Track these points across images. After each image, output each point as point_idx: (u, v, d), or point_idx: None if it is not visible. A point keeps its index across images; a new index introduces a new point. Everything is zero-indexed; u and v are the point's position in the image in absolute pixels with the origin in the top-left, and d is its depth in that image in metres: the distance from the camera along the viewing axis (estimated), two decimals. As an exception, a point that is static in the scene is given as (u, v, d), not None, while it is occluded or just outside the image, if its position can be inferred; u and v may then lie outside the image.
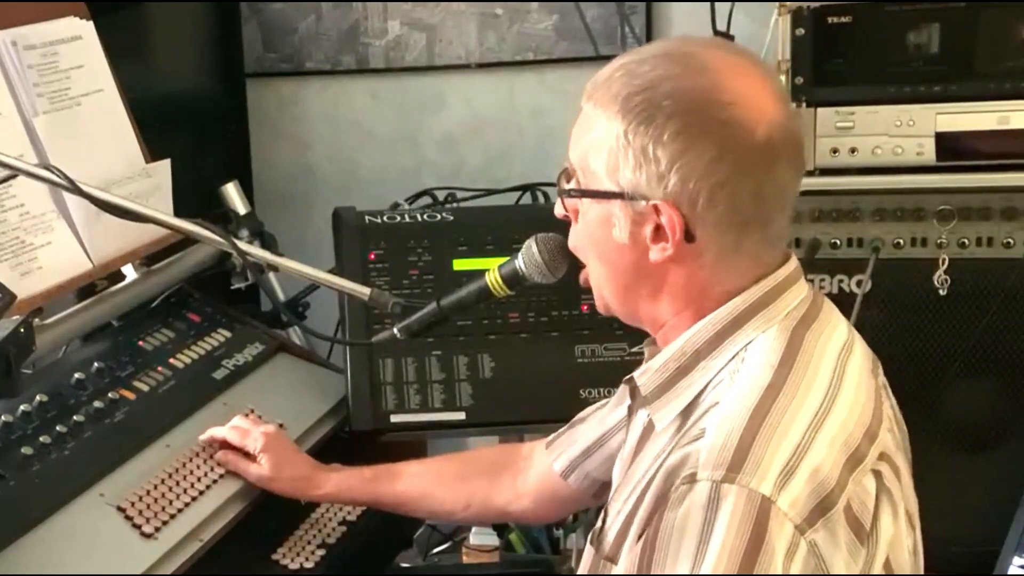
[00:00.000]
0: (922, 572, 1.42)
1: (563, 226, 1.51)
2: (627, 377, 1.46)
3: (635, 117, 1.32)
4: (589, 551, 1.50)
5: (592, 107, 1.38)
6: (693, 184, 1.31)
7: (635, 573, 1.31)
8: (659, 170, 1.32)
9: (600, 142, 1.36)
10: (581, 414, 1.82)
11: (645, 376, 1.42)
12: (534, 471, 1.86)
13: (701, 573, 1.20)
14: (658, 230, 1.35)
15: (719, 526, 1.21)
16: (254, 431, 1.90)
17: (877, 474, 1.31)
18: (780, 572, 1.20)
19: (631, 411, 1.53)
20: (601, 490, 1.78)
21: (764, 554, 1.20)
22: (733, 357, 1.36)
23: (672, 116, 1.31)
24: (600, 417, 1.77)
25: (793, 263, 1.42)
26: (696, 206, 1.32)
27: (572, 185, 1.42)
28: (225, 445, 1.91)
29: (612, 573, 1.41)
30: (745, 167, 1.32)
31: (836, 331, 1.41)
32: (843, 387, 1.34)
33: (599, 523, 1.48)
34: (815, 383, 1.33)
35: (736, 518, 1.21)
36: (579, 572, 1.53)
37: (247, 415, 1.98)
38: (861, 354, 1.42)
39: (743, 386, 1.32)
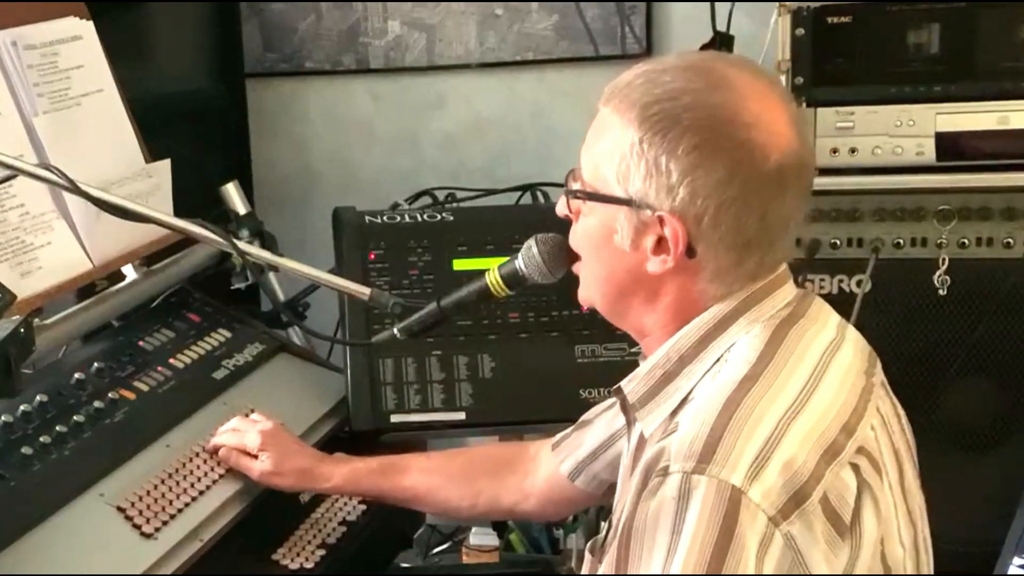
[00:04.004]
0: (931, 568, 1.42)
1: (563, 226, 1.51)
2: (615, 387, 1.47)
3: (652, 127, 1.32)
4: (588, 559, 1.51)
5: (609, 112, 1.38)
6: (701, 200, 1.32)
7: (614, 566, 1.31)
8: (669, 182, 1.32)
9: (613, 148, 1.36)
10: (587, 415, 1.82)
11: (632, 384, 1.43)
12: (541, 472, 1.86)
13: (673, 565, 1.21)
14: (660, 242, 1.35)
15: (690, 518, 1.21)
16: (250, 430, 1.90)
17: (855, 468, 1.30)
18: (753, 563, 1.20)
19: (628, 423, 1.52)
20: (610, 490, 1.78)
21: (736, 545, 1.20)
22: (717, 360, 1.36)
23: (689, 130, 1.31)
24: (607, 419, 1.77)
25: (781, 266, 1.42)
26: (701, 222, 1.33)
27: (579, 187, 1.42)
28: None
29: (599, 573, 1.41)
30: (753, 191, 1.32)
31: (824, 330, 1.41)
32: (823, 383, 1.34)
33: (602, 535, 1.49)
34: (793, 377, 1.33)
35: (707, 509, 1.21)
36: None
37: (246, 415, 1.98)
38: (851, 353, 1.42)
39: (719, 381, 1.33)
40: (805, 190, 1.38)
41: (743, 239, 1.34)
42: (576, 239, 1.46)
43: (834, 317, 1.46)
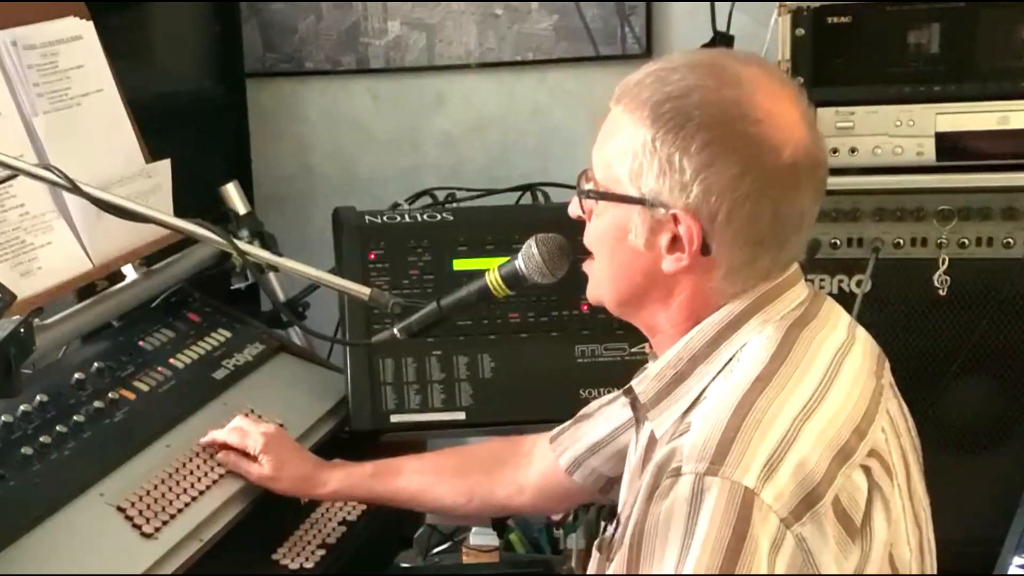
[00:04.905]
0: (934, 571, 1.42)
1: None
2: (626, 387, 1.47)
3: (664, 124, 1.32)
4: (596, 556, 1.51)
5: (621, 111, 1.37)
6: (715, 197, 1.31)
7: (624, 567, 1.31)
8: (683, 180, 1.32)
9: (626, 147, 1.36)
10: (586, 409, 1.81)
11: (643, 384, 1.42)
12: (536, 466, 1.86)
13: (686, 567, 1.21)
14: (674, 240, 1.35)
15: (703, 519, 1.21)
16: (254, 432, 1.90)
17: (866, 470, 1.30)
18: (766, 565, 1.20)
19: (637, 421, 1.52)
20: (607, 486, 1.78)
21: (748, 547, 1.20)
22: (729, 360, 1.36)
23: (701, 127, 1.31)
24: (608, 414, 1.77)
25: (793, 266, 1.42)
26: (715, 220, 1.32)
27: (591, 187, 1.41)
28: (226, 447, 1.90)
29: (608, 573, 1.41)
30: (766, 187, 1.32)
31: (835, 331, 1.41)
32: (835, 385, 1.34)
33: (610, 532, 1.49)
34: (805, 378, 1.33)
35: (719, 511, 1.21)
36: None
37: (247, 415, 1.98)
38: (861, 355, 1.42)
39: (732, 381, 1.33)
40: (819, 185, 1.37)
41: (757, 235, 1.34)
42: (589, 239, 1.45)
43: (844, 318, 1.46)
